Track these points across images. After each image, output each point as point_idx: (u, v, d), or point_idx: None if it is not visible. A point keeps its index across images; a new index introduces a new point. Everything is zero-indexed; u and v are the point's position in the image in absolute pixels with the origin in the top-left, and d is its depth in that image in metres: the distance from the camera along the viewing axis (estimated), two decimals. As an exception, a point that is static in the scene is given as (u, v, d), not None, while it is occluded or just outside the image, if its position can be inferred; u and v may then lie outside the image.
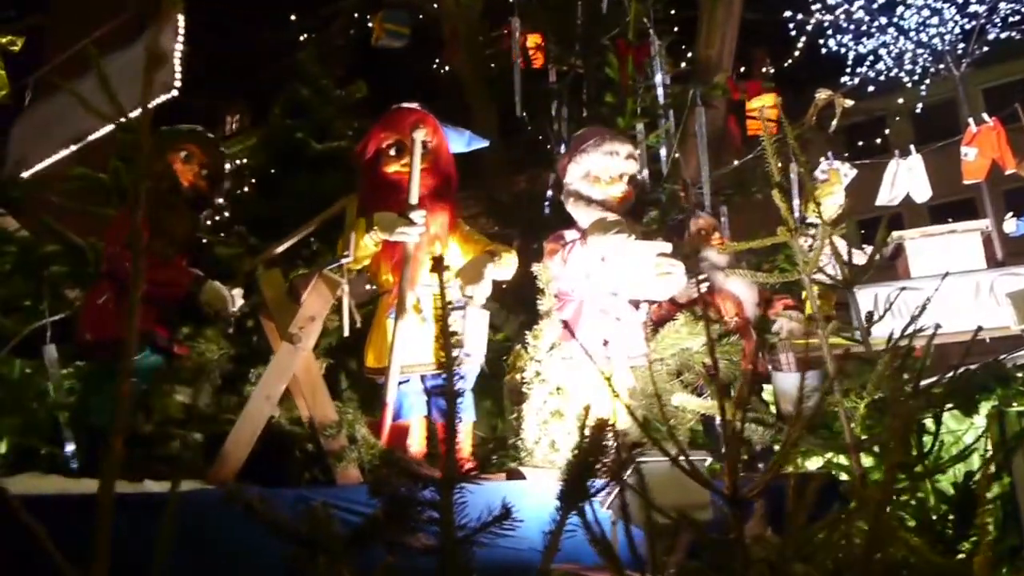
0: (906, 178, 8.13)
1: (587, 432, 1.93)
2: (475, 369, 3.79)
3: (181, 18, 9.04)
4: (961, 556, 3.12)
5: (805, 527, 2.06)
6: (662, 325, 3.97)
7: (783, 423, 3.71)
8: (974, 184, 8.67)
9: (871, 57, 12.96)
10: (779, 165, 3.17)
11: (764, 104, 6.94)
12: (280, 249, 3.61)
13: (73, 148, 6.73)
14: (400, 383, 3.46)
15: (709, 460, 3.11)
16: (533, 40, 7.62)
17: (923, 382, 3.35)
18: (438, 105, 4.18)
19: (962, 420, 4.70)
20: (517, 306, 4.98)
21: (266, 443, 3.09)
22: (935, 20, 11.79)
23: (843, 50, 13.00)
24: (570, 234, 4.08)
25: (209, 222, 4.01)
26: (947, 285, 5.25)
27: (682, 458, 2.04)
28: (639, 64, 6.47)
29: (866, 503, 2.00)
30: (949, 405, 4.18)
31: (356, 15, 10.82)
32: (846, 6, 12.54)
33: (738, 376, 3.76)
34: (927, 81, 12.85)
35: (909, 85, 13.02)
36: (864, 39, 12.85)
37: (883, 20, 12.35)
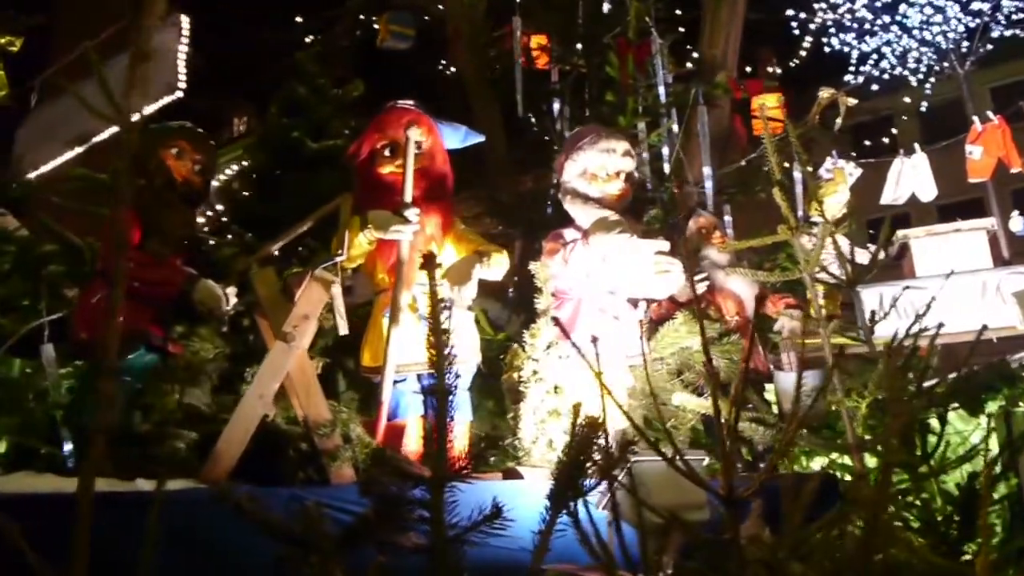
0: (911, 177, 8.08)
1: (577, 431, 1.92)
2: (471, 369, 3.76)
3: (185, 19, 9.07)
4: (967, 557, 3.09)
5: (802, 527, 2.05)
6: (662, 324, 3.95)
7: (784, 423, 3.67)
8: (982, 183, 8.62)
9: (875, 56, 12.91)
10: (780, 164, 3.15)
11: (765, 103, 6.90)
12: (275, 248, 3.60)
13: (79, 150, 6.74)
14: (396, 382, 3.44)
15: (707, 460, 3.08)
16: (537, 41, 7.61)
17: (926, 382, 3.34)
18: (442, 105, 4.17)
19: (969, 420, 4.67)
20: (520, 306, 4.96)
21: (260, 442, 3.08)
22: (939, 18, 11.73)
23: (847, 49, 12.96)
24: (569, 233, 4.05)
25: (203, 218, 3.98)
26: (953, 284, 5.23)
27: (677, 458, 2.03)
28: (640, 63, 6.44)
29: (861, 503, 1.98)
30: (954, 405, 4.16)
31: (361, 16, 10.85)
32: (849, 5, 12.50)
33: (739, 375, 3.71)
34: (932, 80, 12.80)
35: (914, 84, 12.96)
36: (868, 37, 12.80)
37: (886, 19, 12.30)
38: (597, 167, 4.07)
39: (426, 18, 10.18)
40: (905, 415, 3.14)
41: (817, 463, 4.46)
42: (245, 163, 5.68)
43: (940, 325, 3.17)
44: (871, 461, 3.40)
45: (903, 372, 3.26)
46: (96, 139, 6.59)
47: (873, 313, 3.35)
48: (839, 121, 5.96)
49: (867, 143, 15.12)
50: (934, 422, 3.62)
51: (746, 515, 2.53)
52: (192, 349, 3.33)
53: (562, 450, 1.90)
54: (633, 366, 3.81)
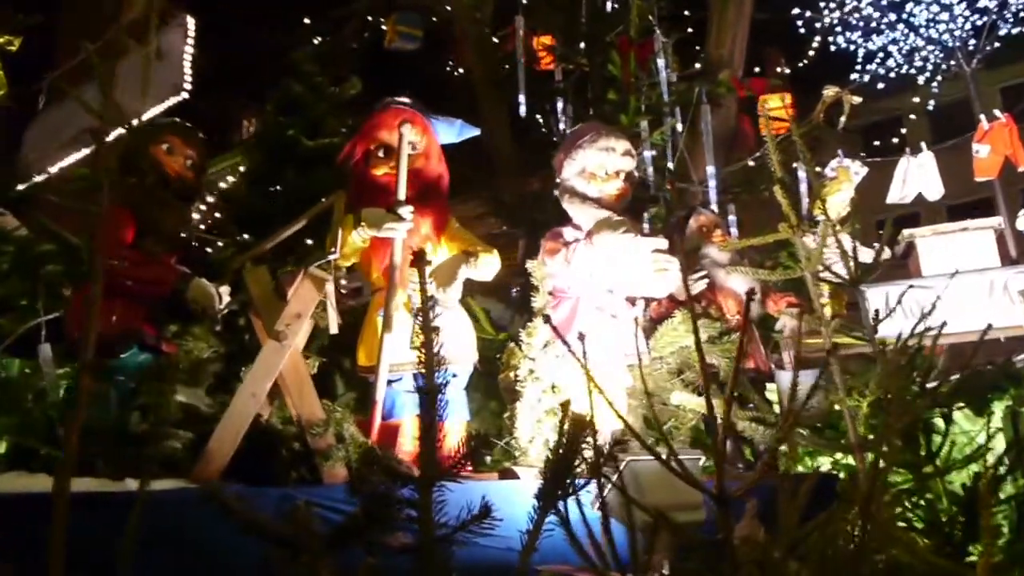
0: (917, 176, 8.02)
1: (566, 429, 1.90)
2: (467, 368, 3.74)
3: (191, 20, 9.09)
4: (973, 558, 3.05)
5: (797, 527, 2.03)
6: (661, 323, 3.91)
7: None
8: (991, 182, 8.54)
9: (881, 54, 12.83)
10: (782, 162, 3.12)
11: (767, 103, 6.87)
12: (269, 246, 3.59)
13: (85, 151, 6.77)
14: (392, 381, 3.42)
15: (703, 460, 3.05)
16: (542, 42, 7.60)
17: (930, 381, 3.30)
18: (449, 106, 4.15)
19: (975, 420, 4.62)
20: (523, 306, 4.93)
21: (253, 441, 3.06)
22: (945, 16, 11.64)
23: (852, 47, 12.88)
24: (568, 231, 4.02)
25: (197, 214, 3.97)
26: (960, 283, 5.20)
27: (672, 458, 2.01)
28: (642, 61, 6.42)
29: (854, 503, 1.96)
30: (959, 405, 4.11)
31: (369, 18, 10.88)
32: (855, 3, 12.42)
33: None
34: (939, 78, 12.70)
35: (921, 82, 12.87)
36: (874, 36, 12.72)
37: (892, 16, 12.21)
38: (596, 166, 4.02)
39: (433, 19, 10.20)
40: (908, 415, 3.11)
41: (823, 463, 4.42)
42: (242, 169, 5.66)
43: (943, 324, 3.13)
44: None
45: (904, 372, 3.23)
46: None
47: (877, 312, 3.32)
48: (843, 119, 5.92)
49: (876, 143, 15.04)
50: (939, 422, 3.58)
51: (741, 515, 2.52)
52: (186, 348, 3.31)
53: (551, 449, 1.89)
54: (632, 365, 3.77)
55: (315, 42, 10.26)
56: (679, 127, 6.60)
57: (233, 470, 2.97)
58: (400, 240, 3.50)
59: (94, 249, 3.35)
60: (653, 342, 3.84)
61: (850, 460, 3.86)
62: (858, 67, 12.96)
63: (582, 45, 6.93)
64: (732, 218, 6.58)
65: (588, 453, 1.90)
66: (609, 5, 6.96)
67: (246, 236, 4.27)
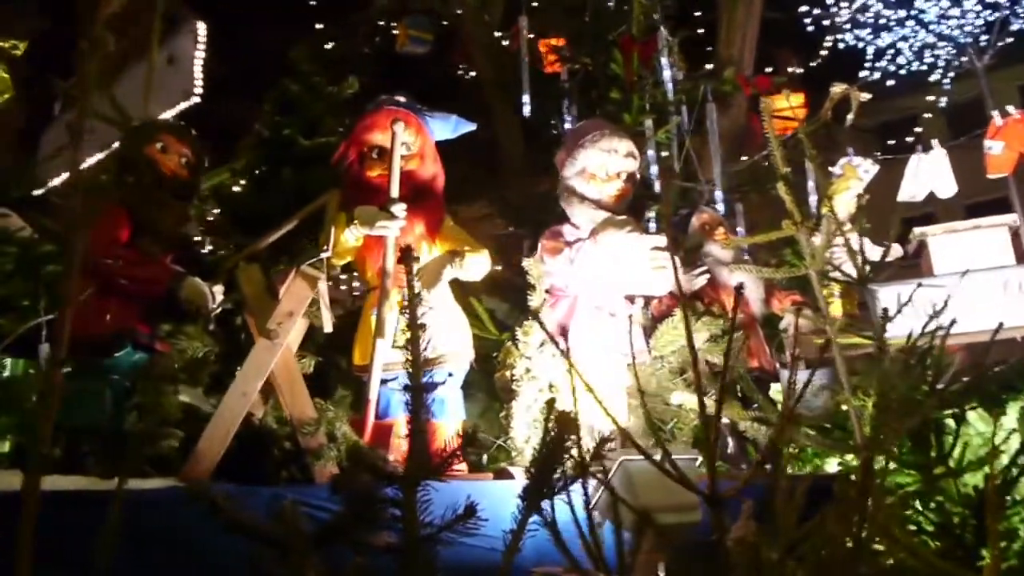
0: (929, 173, 7.91)
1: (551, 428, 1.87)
2: (463, 367, 3.71)
3: (201, 25, 9.13)
4: (983, 563, 2.99)
5: (794, 528, 1.99)
6: (662, 321, 3.86)
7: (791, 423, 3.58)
8: (1008, 180, 8.42)
9: (892, 52, 12.73)
10: (789, 160, 3.08)
11: (772, 102, 6.79)
12: (263, 245, 3.57)
13: (100, 156, 6.80)
14: (387, 381, 3.40)
15: (700, 460, 3.00)
16: (550, 43, 7.58)
17: (941, 381, 3.24)
18: (459, 107, 4.13)
19: (991, 421, 4.53)
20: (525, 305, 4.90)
21: (244, 441, 3.05)
22: (956, 12, 11.53)
23: (862, 45, 12.77)
24: (567, 230, 3.98)
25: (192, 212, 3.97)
26: (974, 282, 5.11)
27: (665, 458, 1.97)
28: (645, 60, 6.37)
29: (847, 503, 1.91)
30: (971, 405, 4.04)
31: (380, 22, 10.92)
32: (865, 0, 12.33)
33: (743, 374, 3.64)
34: (951, 75, 12.59)
35: (932, 79, 12.76)
36: (884, 33, 12.62)
37: (902, 12, 12.10)
38: (597, 167, 3.97)
39: (444, 23, 10.22)
40: (915, 415, 3.06)
41: (832, 464, 4.36)
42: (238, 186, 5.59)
43: (952, 323, 3.07)
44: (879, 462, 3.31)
45: (912, 371, 3.18)
46: (116, 144, 6.65)
47: (885, 311, 3.27)
48: (851, 116, 5.85)
49: (891, 142, 14.94)
50: (950, 422, 3.52)
51: (738, 516, 2.46)
52: (179, 347, 3.30)
53: (536, 447, 1.85)
54: (632, 364, 3.72)
55: (327, 47, 10.33)
56: (685, 125, 6.54)
57: (225, 469, 2.95)
58: (393, 239, 3.48)
59: (100, 250, 3.36)
60: (654, 341, 3.79)
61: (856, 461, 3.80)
62: (868, 65, 12.88)
63: (587, 45, 6.90)
64: (740, 216, 6.51)
65: (574, 452, 1.88)
66: (613, 4, 6.92)
67: (242, 233, 4.25)
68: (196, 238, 3.70)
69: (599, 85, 6.64)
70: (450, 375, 3.57)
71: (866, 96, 5.55)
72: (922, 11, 11.91)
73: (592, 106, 6.61)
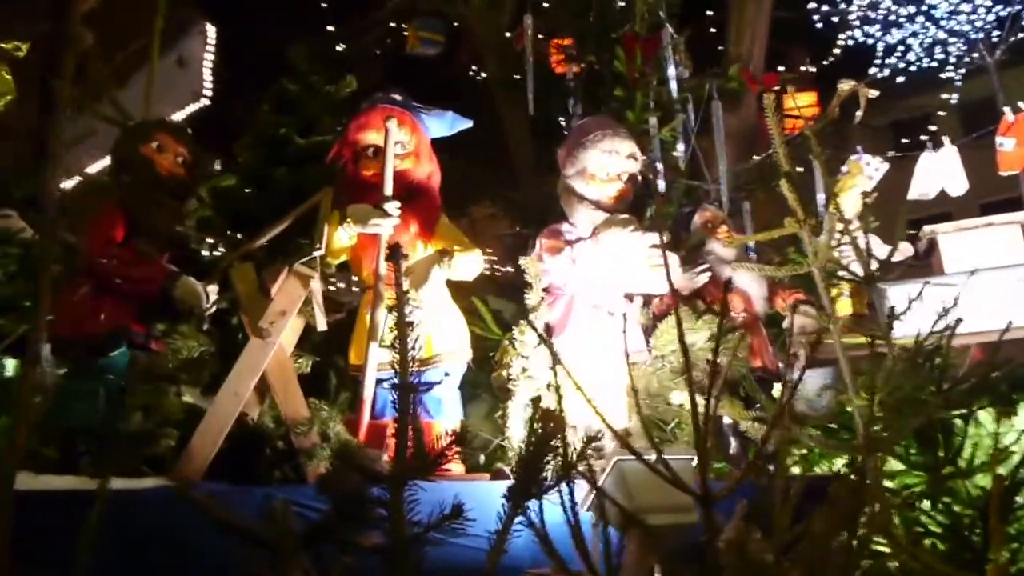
0: (940, 171, 7.83)
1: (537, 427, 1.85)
2: (459, 366, 3.69)
3: (211, 27, 9.18)
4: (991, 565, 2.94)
5: (787, 530, 1.97)
6: (663, 320, 3.82)
7: (795, 423, 3.54)
8: (1017, 177, 8.34)
9: (902, 48, 12.62)
10: (797, 158, 3.05)
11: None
12: (257, 244, 3.56)
13: (107, 160, 6.84)
14: (383, 380, 3.38)
15: (695, 460, 2.95)
16: (558, 43, 7.56)
17: (953, 381, 3.19)
18: (464, 105, 4.11)
19: (1003, 422, 4.47)
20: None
21: (237, 440, 3.04)
22: (967, 7, 11.41)
23: (872, 41, 12.67)
24: (567, 229, 3.95)
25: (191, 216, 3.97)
26: (986, 281, 5.03)
27: (654, 457, 1.95)
28: (648, 57, 6.33)
29: (840, 503, 1.88)
30: (979, 405, 3.98)
31: (392, 24, 10.95)
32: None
33: (745, 374, 3.60)
34: (963, 71, 12.46)
35: (944, 76, 12.64)
36: (894, 29, 12.51)
37: (912, 8, 11.99)
38: (597, 167, 3.93)
39: (455, 24, 10.24)
40: (921, 415, 3.02)
41: (839, 465, 4.31)
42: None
43: (958, 321, 3.03)
44: (897, 464, 3.28)
45: (917, 371, 3.14)
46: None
47: (892, 310, 3.23)
48: (859, 113, 5.78)
49: (905, 140, 14.83)
50: (960, 422, 3.47)
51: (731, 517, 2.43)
52: (174, 347, 3.30)
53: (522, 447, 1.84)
54: (634, 363, 3.69)
55: (339, 48, 10.36)
56: (691, 123, 6.50)
57: (218, 468, 2.94)
58: (386, 237, 3.46)
59: (96, 249, 3.36)
60: (654, 340, 3.75)
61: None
62: (878, 62, 12.78)
63: (592, 43, 6.87)
64: (747, 214, 6.46)
65: (561, 451, 1.85)
66: (620, 2, 6.89)
67: (238, 232, 4.25)
68: (191, 236, 3.67)
69: (605, 83, 6.60)
70: (446, 374, 3.55)
71: (874, 93, 5.48)
72: (933, 6, 11.80)
73: (598, 105, 6.57)
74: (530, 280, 3.51)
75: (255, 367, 3.04)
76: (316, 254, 3.23)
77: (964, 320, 3.00)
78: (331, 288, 3.43)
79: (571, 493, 1.80)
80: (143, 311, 3.37)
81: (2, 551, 1.53)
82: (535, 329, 2.17)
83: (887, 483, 3.26)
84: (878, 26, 12.52)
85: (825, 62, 11.93)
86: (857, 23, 12.43)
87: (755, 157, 7.64)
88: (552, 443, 1.82)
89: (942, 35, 12.25)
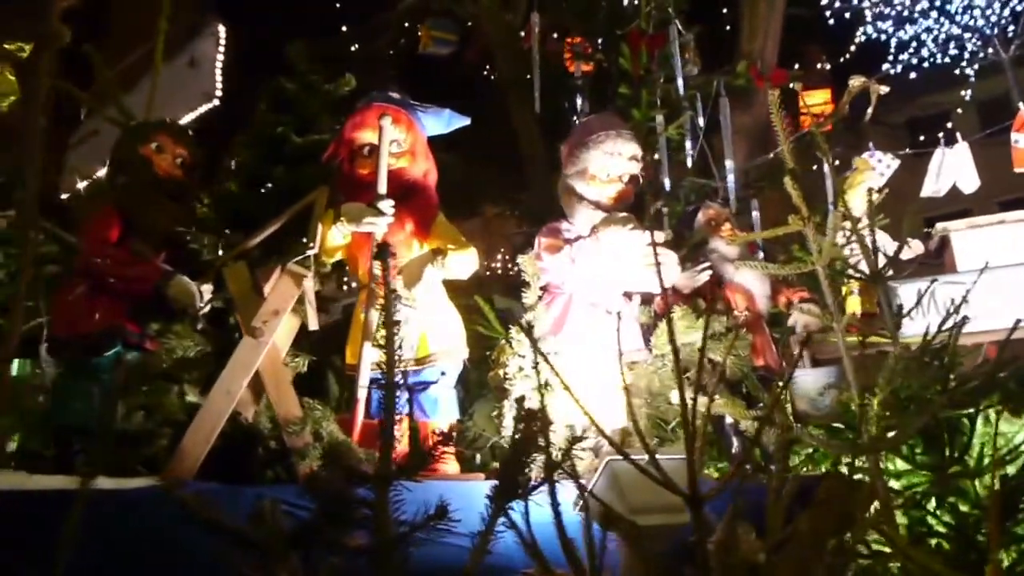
0: (953, 168, 7.75)
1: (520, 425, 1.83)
2: (456, 366, 3.67)
3: (222, 28, 9.25)
4: (1004, 564, 2.90)
5: (779, 529, 1.95)
6: (663, 319, 3.79)
7: (799, 423, 3.50)
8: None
9: (915, 44, 12.52)
10: (795, 153, 3.02)
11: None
12: (251, 243, 3.56)
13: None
14: (378, 380, 3.37)
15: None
16: (569, 42, 7.55)
17: (964, 380, 3.15)
18: (473, 104, 4.10)
19: (1014, 421, 4.41)
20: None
21: (230, 439, 3.03)
22: (981, 2, 11.29)
23: (885, 38, 12.58)
24: (566, 227, 3.93)
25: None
26: (1000, 278, 4.96)
27: (644, 457, 1.93)
28: (654, 55, 6.30)
29: (833, 503, 1.86)
30: (987, 404, 3.93)
31: (405, 24, 10.98)
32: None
33: (747, 373, 3.56)
34: (976, 67, 12.34)
35: (959, 72, 12.52)
36: (908, 25, 12.41)
37: (925, 4, 11.89)
38: (598, 168, 3.91)
39: (468, 24, 10.25)
40: (925, 414, 2.99)
41: (842, 465, 4.27)
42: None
43: (965, 320, 2.99)
44: (902, 464, 3.25)
45: (922, 369, 3.10)
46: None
47: (899, 308, 3.19)
48: (870, 110, 5.72)
49: (922, 138, 14.73)
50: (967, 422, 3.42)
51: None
52: (168, 346, 3.30)
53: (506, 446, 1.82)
54: (634, 362, 3.66)
55: (352, 49, 10.39)
56: (700, 121, 6.46)
57: (210, 468, 2.94)
58: (380, 235, 3.44)
59: (94, 249, 3.38)
60: (655, 339, 3.72)
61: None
62: (891, 58, 12.69)
63: (599, 41, 6.86)
64: (755, 213, 6.42)
65: (544, 450, 1.84)
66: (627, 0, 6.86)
67: (228, 231, 4.25)
68: (191, 236, 3.68)
69: (612, 80, 6.58)
70: (442, 374, 3.53)
71: (884, 89, 5.43)
72: (947, 1, 11.68)
73: (605, 102, 6.55)
74: (528, 279, 3.49)
75: (248, 366, 3.03)
76: (310, 253, 3.23)
77: (979, 318, 2.96)
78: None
79: (553, 493, 1.78)
80: (138, 311, 3.38)
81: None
82: (522, 328, 2.16)
83: (892, 483, 3.22)
84: (891, 22, 12.42)
85: (841, 59, 11.85)
86: (870, 19, 12.33)
87: (770, 155, 7.59)
88: (536, 442, 1.80)
89: (956, 31, 12.14)
